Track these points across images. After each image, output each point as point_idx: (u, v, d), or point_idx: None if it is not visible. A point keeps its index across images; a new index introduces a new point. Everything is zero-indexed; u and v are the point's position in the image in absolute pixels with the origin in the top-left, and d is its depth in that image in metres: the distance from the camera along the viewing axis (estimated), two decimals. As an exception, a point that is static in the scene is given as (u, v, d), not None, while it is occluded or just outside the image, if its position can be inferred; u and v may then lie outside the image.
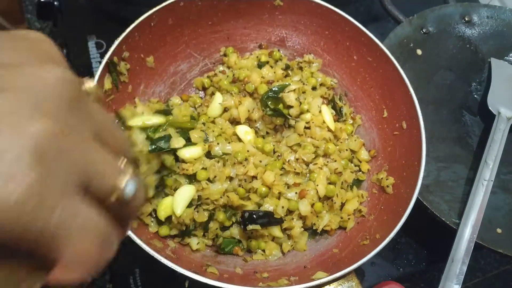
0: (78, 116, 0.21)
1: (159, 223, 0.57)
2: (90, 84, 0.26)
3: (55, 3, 0.84)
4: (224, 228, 0.59)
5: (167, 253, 0.54)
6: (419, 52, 0.83)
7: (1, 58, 0.21)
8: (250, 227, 0.55)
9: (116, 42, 0.61)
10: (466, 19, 0.88)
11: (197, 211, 0.57)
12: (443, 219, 0.64)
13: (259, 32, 0.76)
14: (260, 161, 0.60)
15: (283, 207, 0.58)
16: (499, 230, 0.68)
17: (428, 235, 0.72)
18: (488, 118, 0.79)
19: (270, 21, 0.76)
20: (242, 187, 0.58)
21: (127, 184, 0.23)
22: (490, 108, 0.79)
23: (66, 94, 0.21)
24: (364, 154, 0.68)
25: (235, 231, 0.59)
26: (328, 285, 0.51)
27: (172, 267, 0.48)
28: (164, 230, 0.57)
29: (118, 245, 0.24)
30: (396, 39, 0.80)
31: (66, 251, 0.20)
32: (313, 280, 0.50)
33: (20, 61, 0.21)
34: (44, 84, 0.20)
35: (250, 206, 0.58)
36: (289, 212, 0.60)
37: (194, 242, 0.58)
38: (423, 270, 0.71)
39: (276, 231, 0.59)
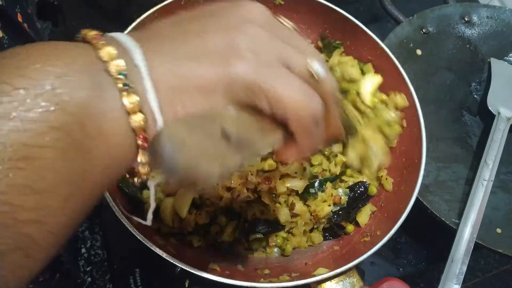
0: (274, 28, 0.31)
1: (160, 220, 0.57)
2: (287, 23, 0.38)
3: (55, 2, 0.84)
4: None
5: (169, 249, 0.54)
6: (418, 52, 0.83)
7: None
8: (252, 236, 0.55)
9: (117, 41, 0.60)
10: (466, 19, 0.88)
11: (199, 213, 0.57)
12: (443, 219, 0.64)
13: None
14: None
15: (285, 217, 0.58)
16: (499, 230, 0.68)
17: (428, 235, 0.72)
18: (488, 118, 0.79)
19: (272, 20, 0.76)
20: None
21: (314, 63, 0.31)
22: (490, 108, 0.79)
23: (267, 16, 0.32)
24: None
25: (236, 234, 0.58)
26: (329, 281, 0.51)
27: (174, 263, 0.48)
28: (166, 228, 0.57)
29: (323, 116, 0.32)
30: (396, 39, 0.80)
31: (286, 105, 0.29)
32: (314, 276, 0.51)
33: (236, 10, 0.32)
34: (254, 12, 0.31)
35: (251, 210, 0.58)
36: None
37: (195, 239, 0.58)
38: (423, 270, 0.71)
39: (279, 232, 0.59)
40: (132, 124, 0.26)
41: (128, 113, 0.25)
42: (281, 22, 0.36)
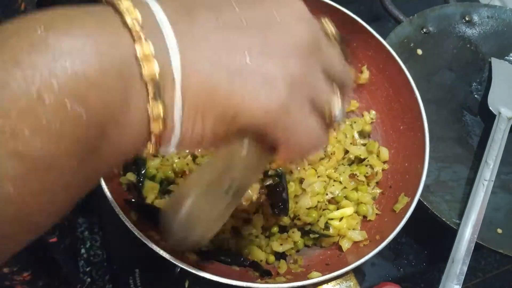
0: (316, 56, 0.29)
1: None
2: (329, 27, 0.36)
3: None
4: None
5: (164, 245, 0.53)
6: (419, 52, 0.83)
7: (270, 14, 0.28)
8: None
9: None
10: (467, 19, 0.88)
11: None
12: (444, 219, 0.63)
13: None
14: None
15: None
16: (499, 230, 0.68)
17: (428, 235, 0.72)
18: (488, 118, 0.78)
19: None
20: None
21: (336, 109, 0.31)
22: (490, 108, 0.79)
23: (312, 42, 0.29)
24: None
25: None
26: (326, 284, 0.51)
27: (169, 259, 0.47)
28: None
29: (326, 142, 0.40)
30: (397, 39, 0.80)
31: (291, 140, 0.29)
32: (308, 279, 0.50)
33: (283, 19, 0.29)
34: (299, 35, 0.28)
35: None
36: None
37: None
38: (423, 270, 0.71)
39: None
40: (151, 129, 0.25)
41: (149, 118, 0.24)
42: (324, 27, 0.36)
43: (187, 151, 0.58)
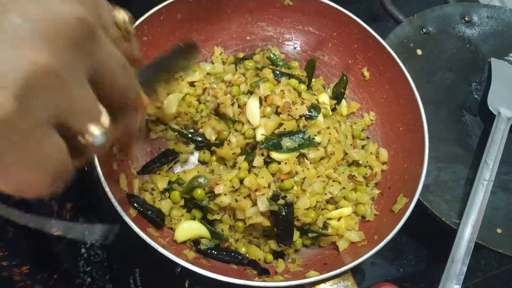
0: (80, 56, 0.21)
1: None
2: (120, 14, 0.27)
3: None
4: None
5: (163, 243, 0.53)
6: (419, 52, 0.83)
7: None
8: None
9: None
10: (466, 19, 0.88)
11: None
12: (443, 219, 0.64)
13: (268, 31, 0.76)
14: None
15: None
16: (499, 230, 0.68)
17: (428, 235, 0.72)
18: (488, 118, 0.79)
19: (279, 21, 0.76)
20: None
21: (97, 135, 0.23)
22: (490, 108, 0.79)
23: (75, 33, 0.21)
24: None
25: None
26: (323, 283, 0.51)
27: (168, 256, 0.48)
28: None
29: (70, 176, 0.24)
30: (396, 39, 0.80)
31: (15, 176, 0.21)
32: (306, 278, 0.51)
33: None
34: (58, 20, 0.20)
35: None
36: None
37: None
38: (423, 270, 0.71)
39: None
40: None
41: None
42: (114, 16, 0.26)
43: None
